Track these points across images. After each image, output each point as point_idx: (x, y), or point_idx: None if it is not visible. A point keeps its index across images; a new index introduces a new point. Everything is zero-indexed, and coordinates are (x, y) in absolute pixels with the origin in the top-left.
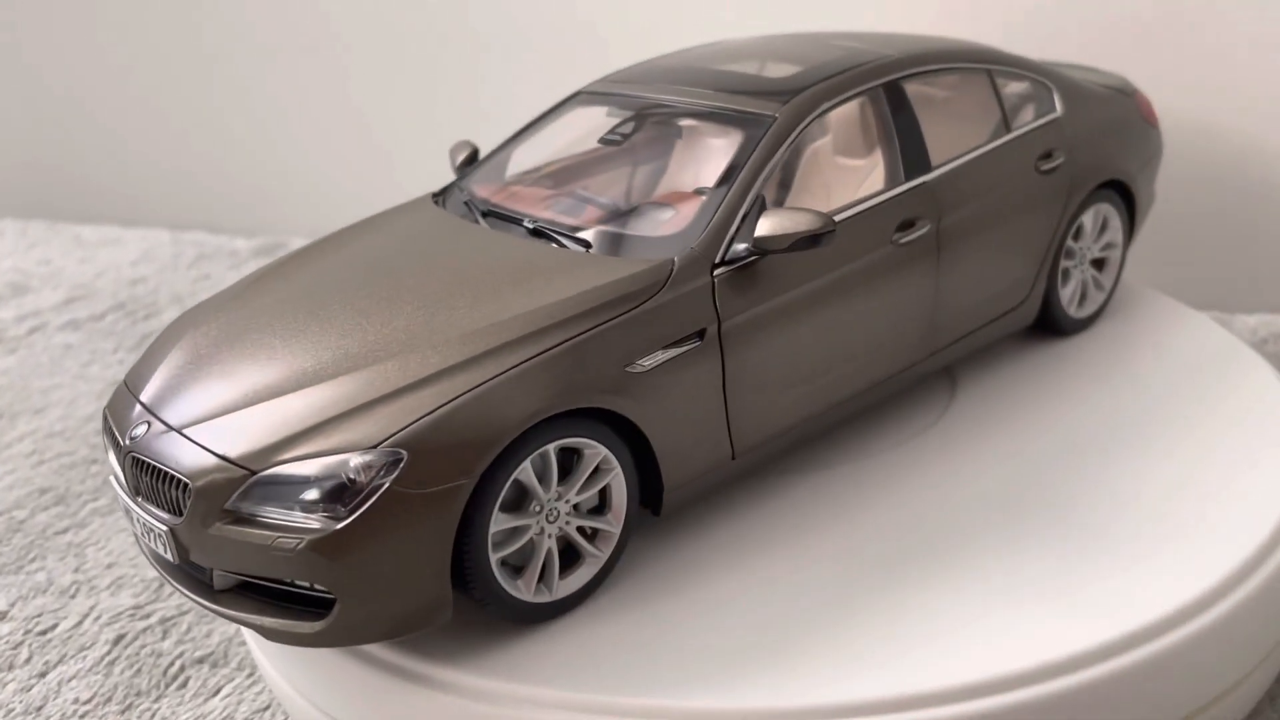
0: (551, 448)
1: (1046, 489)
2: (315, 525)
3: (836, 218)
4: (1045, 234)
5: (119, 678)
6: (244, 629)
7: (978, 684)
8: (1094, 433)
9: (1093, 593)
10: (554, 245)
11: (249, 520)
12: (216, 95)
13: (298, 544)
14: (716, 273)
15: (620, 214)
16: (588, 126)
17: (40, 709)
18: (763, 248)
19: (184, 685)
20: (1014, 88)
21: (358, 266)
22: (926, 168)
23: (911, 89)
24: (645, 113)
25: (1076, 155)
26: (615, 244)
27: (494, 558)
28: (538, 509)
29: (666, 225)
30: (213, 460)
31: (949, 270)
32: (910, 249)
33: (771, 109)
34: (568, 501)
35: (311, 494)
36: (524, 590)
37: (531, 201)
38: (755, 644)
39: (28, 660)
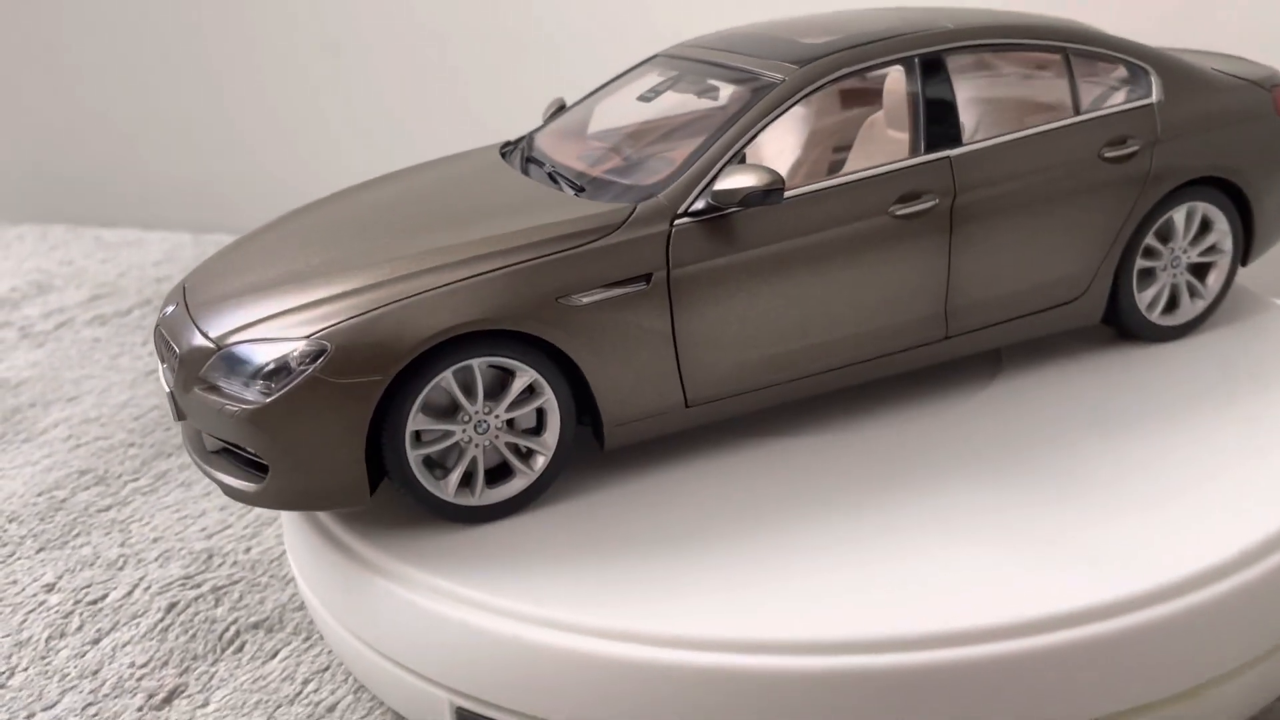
0: (477, 363)
1: (1081, 461)
2: (251, 398)
3: (824, 184)
4: (1109, 226)
5: (174, 643)
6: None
7: (975, 630)
8: (1132, 411)
9: (1113, 549)
10: (557, 189)
11: (214, 389)
12: (234, 101)
13: (238, 412)
14: (677, 223)
15: (628, 165)
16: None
17: (96, 673)
18: (717, 202)
19: (240, 650)
20: (1106, 70)
21: (393, 196)
22: (954, 143)
23: (960, 63)
24: (686, 74)
25: (1165, 145)
26: (602, 190)
27: (413, 453)
28: (466, 418)
29: (647, 175)
30: (196, 335)
31: (966, 251)
32: (911, 224)
33: (782, 73)
34: (498, 417)
35: (254, 371)
36: (445, 490)
37: (569, 152)
38: (731, 580)
39: (79, 629)
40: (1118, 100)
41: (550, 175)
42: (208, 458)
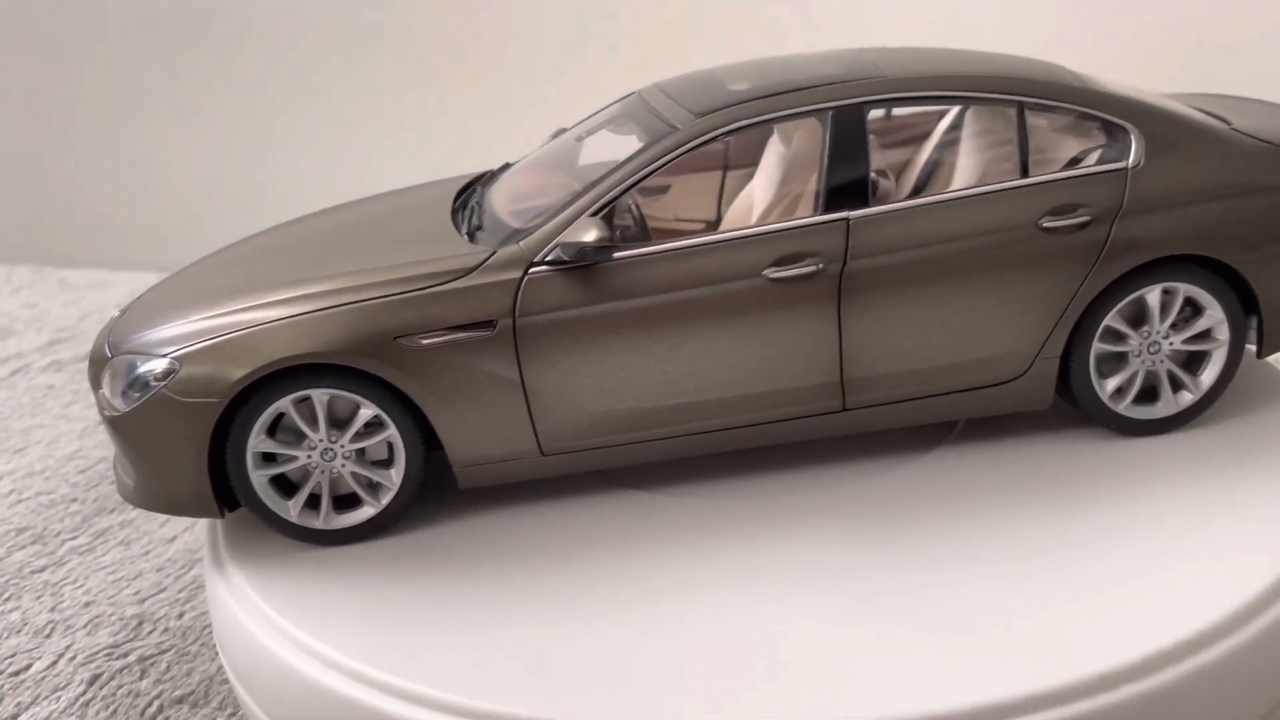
0: (317, 394)
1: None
2: (119, 406)
3: (692, 241)
4: (1050, 303)
5: (94, 719)
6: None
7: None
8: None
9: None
10: (455, 229)
11: (101, 392)
12: (205, 140)
13: (108, 416)
14: (533, 271)
15: (526, 208)
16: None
17: None
18: (563, 253)
19: None
20: (1077, 128)
21: (332, 222)
22: (858, 203)
23: (892, 117)
24: (627, 116)
25: (1132, 217)
26: (492, 232)
27: (258, 474)
28: (312, 446)
29: (528, 220)
30: (104, 343)
31: (862, 320)
32: (790, 288)
33: (681, 124)
34: (344, 446)
35: (128, 382)
36: (289, 511)
37: (505, 189)
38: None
39: None
40: (1087, 162)
41: (458, 213)
42: (116, 454)
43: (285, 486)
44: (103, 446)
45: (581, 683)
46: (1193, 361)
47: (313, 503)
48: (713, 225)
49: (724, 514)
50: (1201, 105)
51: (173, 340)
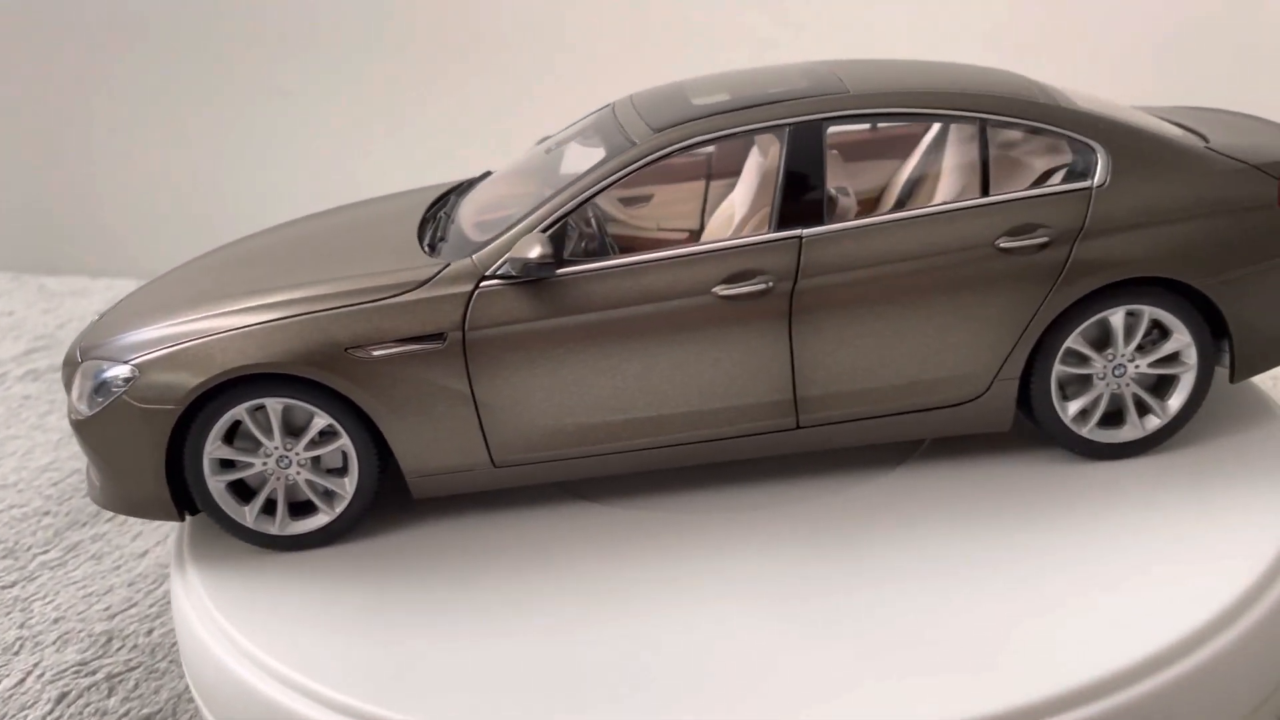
0: (271, 403)
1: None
2: (84, 410)
3: (637, 258)
4: (1008, 324)
5: None
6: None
7: None
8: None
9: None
10: (418, 242)
11: (73, 395)
12: (185, 146)
13: (72, 419)
14: (484, 284)
15: (489, 221)
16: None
17: None
18: (511, 268)
19: None
20: (1043, 146)
21: (305, 231)
22: (813, 221)
23: (855, 133)
24: (596, 129)
25: (1095, 238)
26: (453, 246)
27: (215, 479)
28: (268, 453)
29: (479, 232)
30: (76, 347)
31: (815, 338)
32: (739, 305)
33: (639, 139)
34: (298, 454)
35: (93, 386)
36: (246, 517)
37: (474, 202)
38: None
39: None
40: (1053, 181)
41: (428, 223)
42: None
43: (244, 492)
44: (77, 458)
45: (543, 700)
46: (1163, 384)
47: (270, 508)
48: (695, 235)
49: (684, 529)
50: (1186, 119)
51: (135, 347)
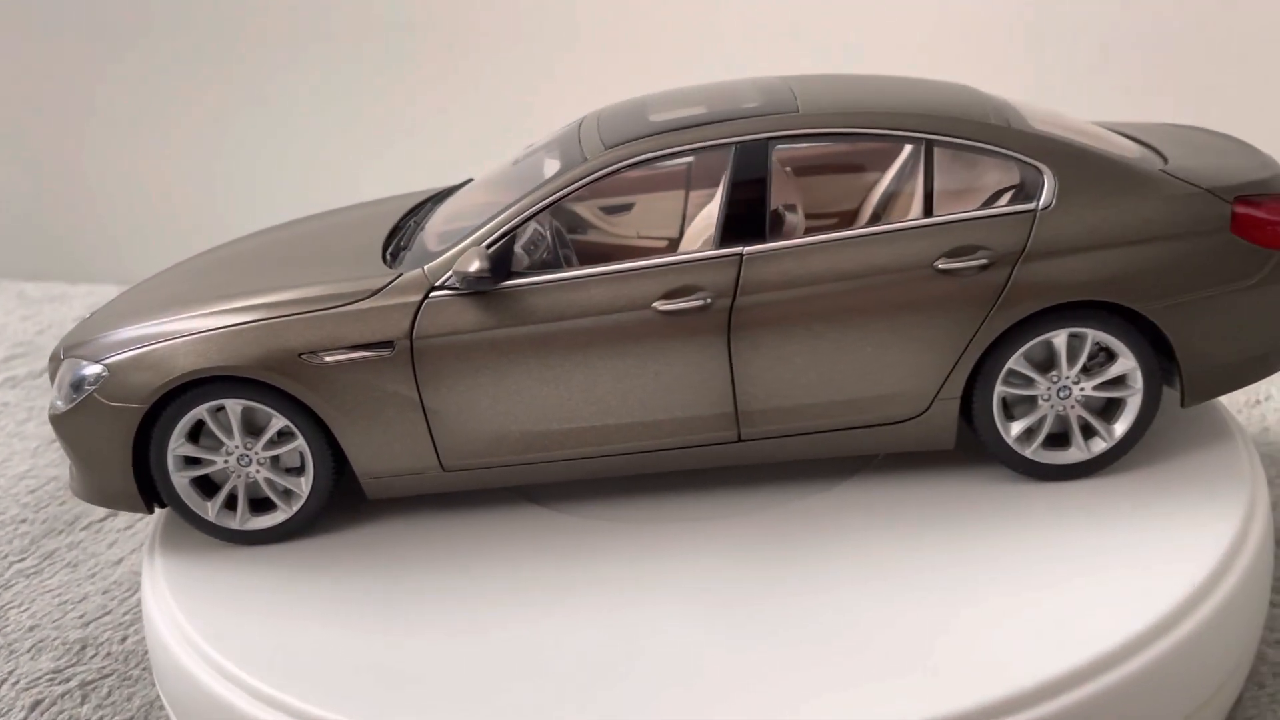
0: (231, 404)
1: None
2: (60, 404)
3: (580, 272)
4: (947, 345)
5: None
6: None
7: None
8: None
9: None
10: (379, 252)
11: (54, 390)
12: (168, 152)
13: (51, 413)
14: (433, 295)
15: (447, 233)
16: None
17: None
18: (455, 280)
19: None
20: (991, 167)
21: (283, 236)
22: (755, 239)
23: (805, 151)
24: (560, 143)
25: (1036, 261)
26: (408, 251)
27: (179, 475)
28: (229, 452)
29: (438, 242)
30: (61, 345)
31: (754, 354)
32: (679, 320)
33: (590, 152)
34: (258, 453)
35: (71, 382)
36: (208, 512)
37: (443, 213)
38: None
39: None
40: (1001, 202)
41: (398, 232)
42: None
43: (209, 487)
44: (54, 466)
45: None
46: (1112, 407)
47: (232, 504)
48: (674, 244)
49: (631, 534)
50: (1154, 138)
51: (109, 347)
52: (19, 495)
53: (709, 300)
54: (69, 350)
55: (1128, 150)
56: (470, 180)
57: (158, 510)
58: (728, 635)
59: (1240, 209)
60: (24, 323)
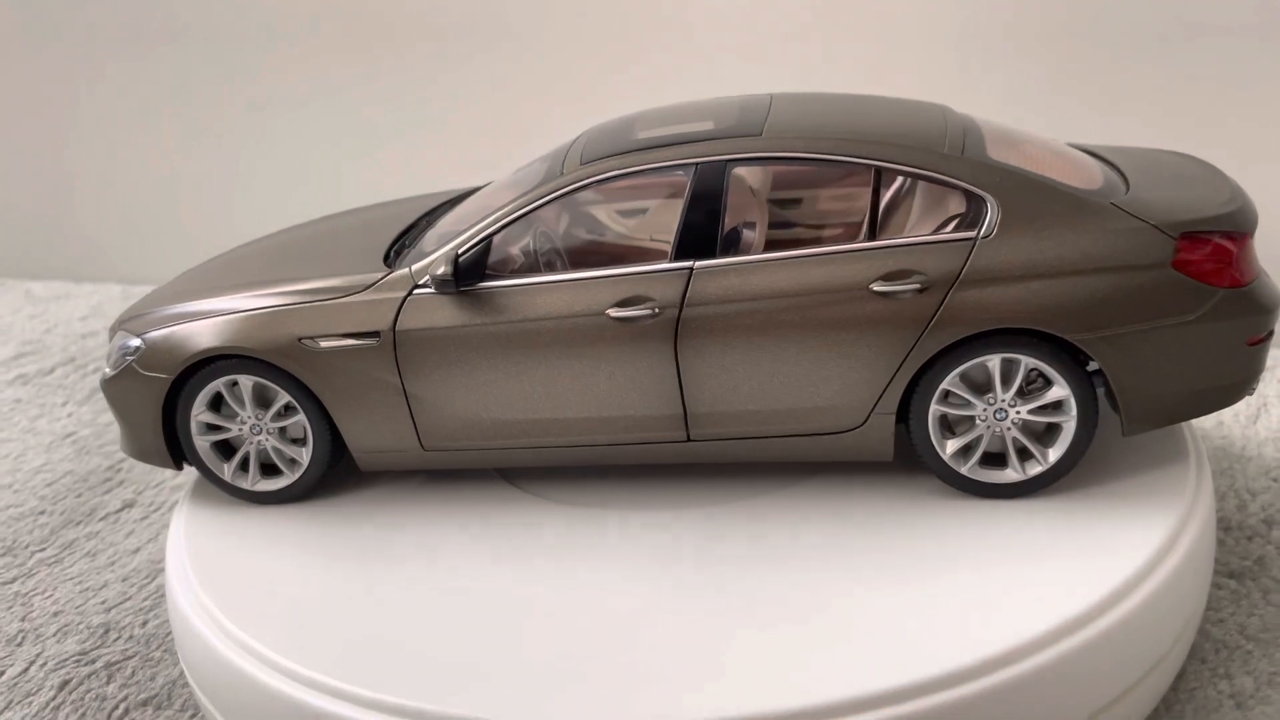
0: (243, 379)
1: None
2: (109, 370)
3: (539, 279)
4: (881, 363)
5: None
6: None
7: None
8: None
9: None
10: (380, 252)
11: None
12: (171, 152)
13: (101, 379)
14: (416, 292)
15: (442, 236)
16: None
17: None
18: (429, 281)
19: None
20: (938, 194)
21: (321, 230)
22: (706, 254)
23: (763, 172)
24: (553, 151)
25: (969, 288)
26: (409, 249)
27: (200, 438)
28: (242, 421)
29: (432, 244)
30: (119, 318)
31: (698, 362)
32: (630, 327)
33: (568, 167)
34: (266, 423)
35: (119, 351)
36: (225, 472)
37: (452, 217)
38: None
39: None
40: (947, 229)
41: (409, 231)
42: None
43: (228, 451)
44: (69, 460)
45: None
46: (1052, 430)
47: (246, 466)
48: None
49: (597, 519)
50: (1132, 165)
51: (149, 323)
52: (36, 488)
53: (657, 310)
54: (121, 324)
55: (1090, 177)
56: (491, 183)
57: (178, 503)
58: (664, 607)
59: (1184, 245)
60: (31, 321)
